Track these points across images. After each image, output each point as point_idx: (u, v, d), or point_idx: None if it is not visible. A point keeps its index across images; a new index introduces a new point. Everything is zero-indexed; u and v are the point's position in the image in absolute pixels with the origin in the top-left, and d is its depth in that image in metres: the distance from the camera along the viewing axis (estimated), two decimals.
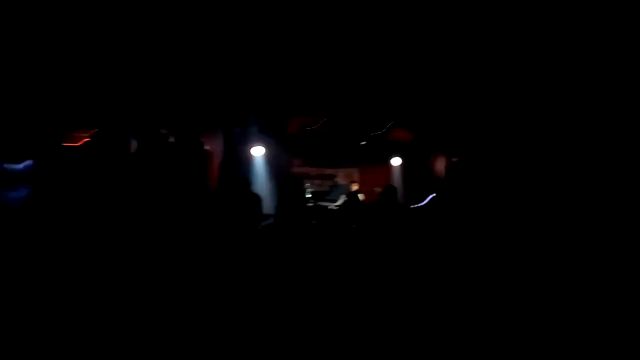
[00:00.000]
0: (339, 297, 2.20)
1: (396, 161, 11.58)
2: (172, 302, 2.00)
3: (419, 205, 8.25)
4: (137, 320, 1.96)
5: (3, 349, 2.36)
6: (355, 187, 11.07)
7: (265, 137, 11.04)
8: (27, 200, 3.36)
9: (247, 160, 11.09)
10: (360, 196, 11.03)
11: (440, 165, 10.31)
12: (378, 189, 10.75)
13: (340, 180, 12.11)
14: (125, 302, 2.06)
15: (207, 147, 9.22)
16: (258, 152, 11.29)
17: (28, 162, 3.41)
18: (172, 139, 6.57)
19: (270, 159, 11.47)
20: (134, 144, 5.25)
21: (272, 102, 8.46)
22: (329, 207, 10.48)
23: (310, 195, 10.72)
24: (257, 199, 8.65)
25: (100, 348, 1.89)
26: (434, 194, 8.05)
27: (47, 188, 3.54)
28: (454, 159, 9.52)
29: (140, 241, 4.30)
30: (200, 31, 5.87)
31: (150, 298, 2.03)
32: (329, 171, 12.22)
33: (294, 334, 2.03)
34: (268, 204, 8.25)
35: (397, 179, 11.37)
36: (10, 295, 2.88)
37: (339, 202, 10.66)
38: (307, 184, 11.00)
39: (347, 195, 10.78)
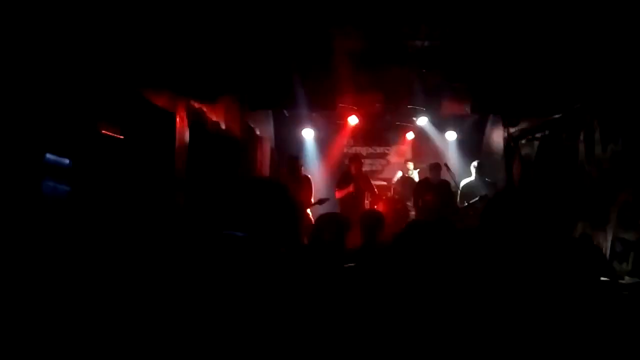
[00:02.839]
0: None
1: (451, 136, 11.04)
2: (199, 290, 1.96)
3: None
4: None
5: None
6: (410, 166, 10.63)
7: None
8: (71, 195, 3.47)
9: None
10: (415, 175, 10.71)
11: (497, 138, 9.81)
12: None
13: (393, 158, 11.81)
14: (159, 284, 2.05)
15: (257, 132, 9.28)
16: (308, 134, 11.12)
17: (69, 158, 3.47)
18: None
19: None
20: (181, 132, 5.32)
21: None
22: None
23: None
24: (308, 182, 8.63)
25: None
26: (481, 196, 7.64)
27: (90, 182, 3.62)
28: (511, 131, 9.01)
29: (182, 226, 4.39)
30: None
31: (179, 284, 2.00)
32: (380, 150, 11.93)
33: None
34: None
35: (451, 154, 10.90)
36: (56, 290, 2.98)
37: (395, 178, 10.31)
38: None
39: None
